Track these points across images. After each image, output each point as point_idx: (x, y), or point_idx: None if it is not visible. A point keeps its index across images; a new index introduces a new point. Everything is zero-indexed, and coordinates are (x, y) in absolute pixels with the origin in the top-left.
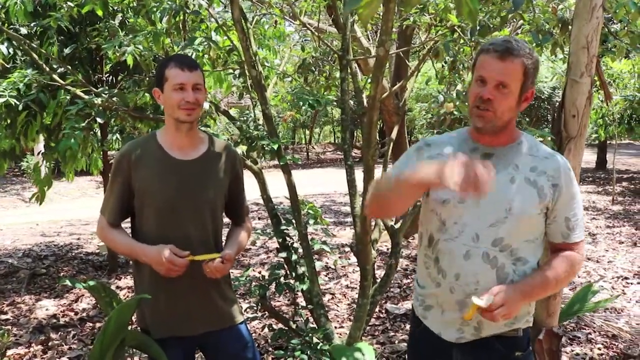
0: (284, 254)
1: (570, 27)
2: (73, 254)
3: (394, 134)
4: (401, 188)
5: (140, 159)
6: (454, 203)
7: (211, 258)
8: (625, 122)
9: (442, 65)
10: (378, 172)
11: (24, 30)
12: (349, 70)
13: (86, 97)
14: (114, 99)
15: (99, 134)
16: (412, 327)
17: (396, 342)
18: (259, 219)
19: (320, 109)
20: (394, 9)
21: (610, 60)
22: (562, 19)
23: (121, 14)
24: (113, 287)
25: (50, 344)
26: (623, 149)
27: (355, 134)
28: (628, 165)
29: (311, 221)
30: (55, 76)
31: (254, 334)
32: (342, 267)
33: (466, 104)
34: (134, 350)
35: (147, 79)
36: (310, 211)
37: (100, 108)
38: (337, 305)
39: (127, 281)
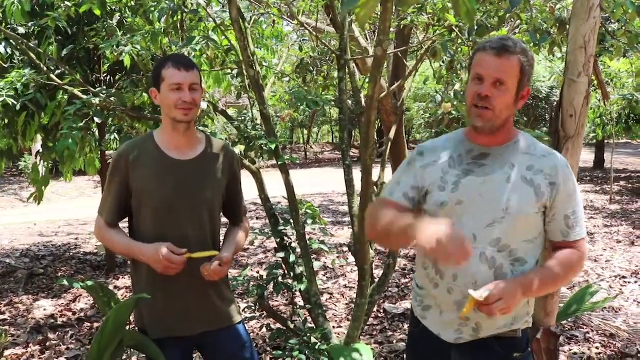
0: (282, 254)
1: (567, 26)
2: (71, 254)
3: (392, 134)
4: (401, 238)
5: (137, 159)
6: (451, 205)
7: (209, 255)
8: (623, 121)
9: (440, 65)
10: (376, 171)
11: (22, 30)
12: (347, 70)
13: (84, 97)
14: (112, 98)
15: (96, 134)
16: (411, 328)
17: (394, 341)
18: (257, 218)
19: (318, 109)
20: (391, 8)
21: (608, 59)
22: (559, 18)
23: (119, 13)
24: (111, 287)
25: (48, 344)
26: (621, 148)
27: (353, 133)
28: (626, 165)
29: (309, 221)
30: (53, 76)
31: (252, 334)
32: (340, 266)
33: (464, 103)
34: (132, 350)
35: (145, 79)
36: (309, 211)
37: (98, 108)
38: (335, 305)
39: (125, 281)
